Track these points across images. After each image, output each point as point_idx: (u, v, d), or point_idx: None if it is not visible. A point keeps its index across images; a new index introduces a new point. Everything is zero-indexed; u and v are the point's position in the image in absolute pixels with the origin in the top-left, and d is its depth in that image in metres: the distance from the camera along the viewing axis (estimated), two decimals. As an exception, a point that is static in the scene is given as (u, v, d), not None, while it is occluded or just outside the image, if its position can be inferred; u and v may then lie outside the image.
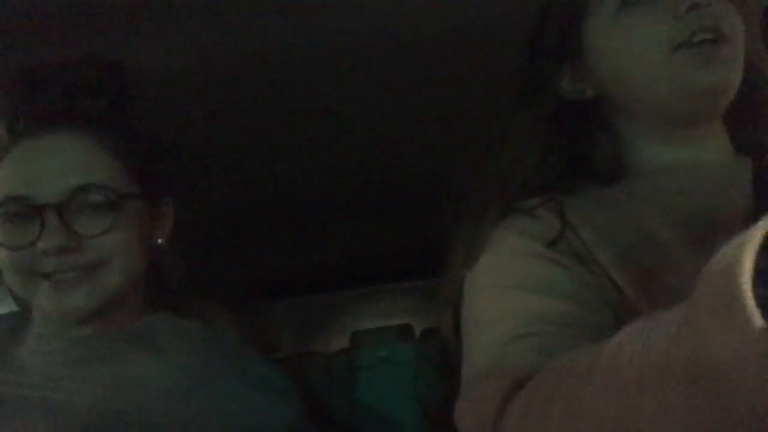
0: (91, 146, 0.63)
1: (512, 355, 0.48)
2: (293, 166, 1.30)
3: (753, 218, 0.27)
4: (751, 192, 0.56)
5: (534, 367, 0.43)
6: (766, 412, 0.25)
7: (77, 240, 0.61)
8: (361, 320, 2.84)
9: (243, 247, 1.77)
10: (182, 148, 1.07)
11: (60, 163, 0.62)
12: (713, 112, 0.59)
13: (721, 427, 0.27)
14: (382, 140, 1.23)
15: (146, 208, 0.68)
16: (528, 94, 0.64)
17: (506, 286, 0.54)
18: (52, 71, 0.65)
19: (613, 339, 0.36)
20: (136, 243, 0.65)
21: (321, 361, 2.47)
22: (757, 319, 0.24)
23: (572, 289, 0.52)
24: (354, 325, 2.72)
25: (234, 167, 1.25)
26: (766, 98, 0.63)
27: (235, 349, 0.71)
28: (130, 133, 0.67)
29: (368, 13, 0.77)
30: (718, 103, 0.58)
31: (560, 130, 0.63)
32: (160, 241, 0.70)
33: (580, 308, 0.50)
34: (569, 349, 0.42)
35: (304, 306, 2.80)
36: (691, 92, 0.56)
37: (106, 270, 0.63)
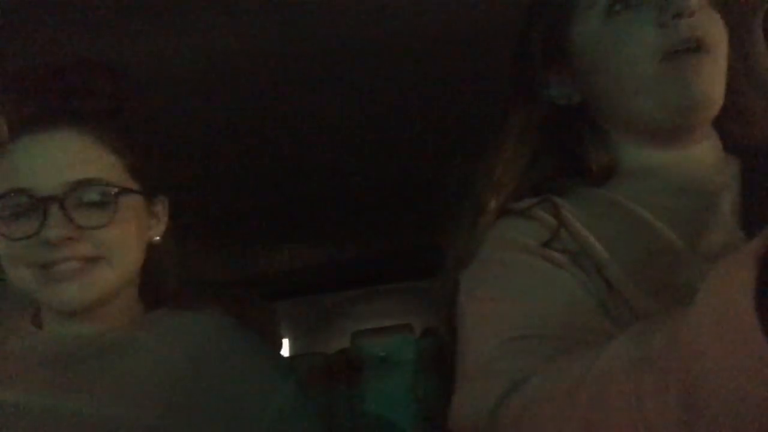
0: (89, 142, 0.65)
1: (507, 356, 0.48)
2: (293, 165, 1.30)
3: (741, 217, 0.27)
4: (739, 191, 0.57)
5: (529, 369, 0.43)
6: (760, 419, 0.25)
7: (78, 231, 0.62)
8: (361, 320, 2.83)
9: (243, 247, 1.77)
10: (182, 148, 1.07)
11: (60, 157, 0.63)
12: (698, 124, 0.59)
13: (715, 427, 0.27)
14: (382, 140, 1.23)
15: (143, 205, 0.69)
16: (518, 97, 0.65)
17: (501, 286, 0.54)
18: (52, 72, 0.67)
19: (608, 345, 0.36)
20: (133, 240, 0.67)
21: (321, 361, 2.47)
22: (761, 340, 0.24)
23: (566, 288, 0.52)
24: (354, 325, 2.71)
25: (234, 167, 1.25)
26: (755, 100, 0.64)
27: (231, 332, 0.72)
28: (127, 131, 0.69)
29: (366, 14, 0.77)
30: (703, 116, 0.58)
31: (551, 132, 0.63)
32: (157, 238, 0.72)
33: (573, 307, 0.50)
34: (563, 352, 0.43)
35: (303, 306, 2.80)
36: (675, 107, 0.57)
37: (102, 264, 0.65)
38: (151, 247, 0.73)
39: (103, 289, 0.65)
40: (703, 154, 0.61)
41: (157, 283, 0.76)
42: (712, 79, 0.56)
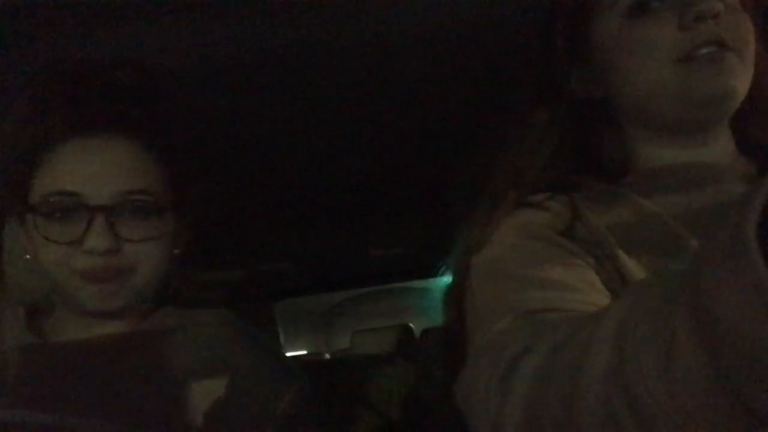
0: (139, 152, 0.64)
1: (518, 329, 0.48)
2: (294, 165, 1.30)
3: None
4: None
5: (540, 337, 0.43)
6: (761, 361, 0.25)
7: (119, 243, 0.62)
8: (361, 320, 2.84)
9: (243, 247, 1.77)
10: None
11: (112, 166, 0.63)
12: (717, 118, 0.59)
13: (718, 372, 0.27)
14: (384, 140, 1.23)
15: (177, 217, 0.69)
16: (541, 92, 0.65)
17: (513, 268, 0.55)
18: (104, 73, 0.65)
19: (620, 297, 0.37)
20: (166, 253, 0.67)
21: (321, 361, 2.48)
22: (763, 270, 0.24)
23: (579, 271, 0.52)
24: (354, 325, 2.72)
25: (234, 167, 1.25)
26: None
27: (236, 331, 0.72)
28: (171, 140, 0.68)
29: (372, 11, 0.77)
30: (722, 111, 0.58)
31: (571, 127, 0.63)
32: (176, 251, 0.71)
33: (587, 292, 0.50)
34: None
35: (304, 306, 2.80)
36: (694, 100, 0.56)
37: (133, 275, 0.64)
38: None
39: (128, 298, 0.66)
40: (717, 154, 0.61)
41: (163, 282, 0.77)
42: (733, 73, 0.55)
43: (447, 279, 0.65)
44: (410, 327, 2.48)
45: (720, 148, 0.61)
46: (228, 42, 0.80)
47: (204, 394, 0.64)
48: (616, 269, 0.53)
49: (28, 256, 0.67)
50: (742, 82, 0.56)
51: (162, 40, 0.77)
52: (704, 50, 0.54)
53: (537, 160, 0.62)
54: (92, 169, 0.62)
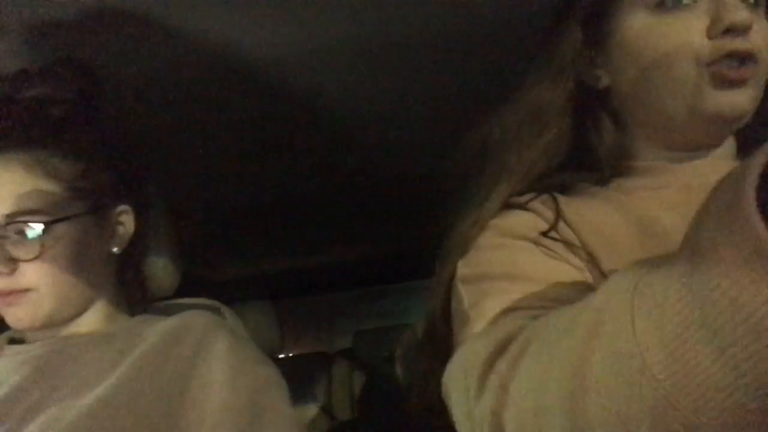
0: (26, 170, 0.65)
1: (501, 322, 0.48)
2: (293, 166, 1.30)
3: None
4: None
5: (522, 335, 0.43)
6: (757, 317, 0.25)
7: (14, 264, 0.64)
8: (362, 320, 2.84)
9: (243, 247, 1.77)
10: (182, 148, 1.07)
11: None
12: (726, 133, 0.59)
13: (713, 335, 0.27)
14: (383, 140, 1.23)
15: (93, 223, 0.69)
16: (548, 72, 0.63)
17: (497, 267, 0.55)
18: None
19: (605, 283, 0.37)
20: (74, 264, 0.67)
21: (322, 361, 2.48)
22: (759, 225, 0.25)
23: (562, 276, 0.52)
24: (355, 325, 2.72)
25: (234, 167, 1.25)
26: None
27: (208, 332, 0.71)
28: (76, 148, 0.68)
29: (366, 10, 0.77)
30: (733, 126, 0.57)
31: (571, 115, 0.62)
32: (115, 250, 0.72)
33: (568, 293, 0.50)
34: None
35: (305, 306, 2.80)
36: (709, 114, 0.55)
37: (34, 295, 0.65)
38: (126, 255, 0.74)
39: (40, 316, 0.66)
40: (717, 156, 0.60)
41: (139, 288, 0.78)
42: (752, 90, 0.55)
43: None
44: (412, 327, 2.47)
45: (720, 150, 0.60)
46: (211, 42, 0.79)
47: (180, 388, 0.64)
48: (600, 270, 0.52)
49: None
50: (755, 99, 0.55)
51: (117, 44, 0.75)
52: (730, 62, 0.53)
53: (529, 155, 0.61)
54: None
